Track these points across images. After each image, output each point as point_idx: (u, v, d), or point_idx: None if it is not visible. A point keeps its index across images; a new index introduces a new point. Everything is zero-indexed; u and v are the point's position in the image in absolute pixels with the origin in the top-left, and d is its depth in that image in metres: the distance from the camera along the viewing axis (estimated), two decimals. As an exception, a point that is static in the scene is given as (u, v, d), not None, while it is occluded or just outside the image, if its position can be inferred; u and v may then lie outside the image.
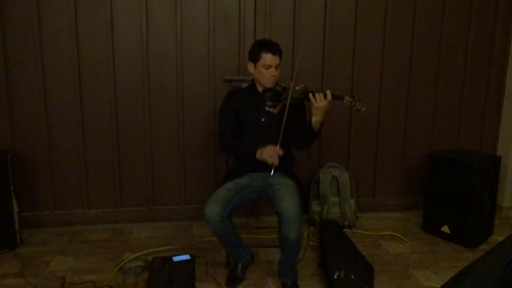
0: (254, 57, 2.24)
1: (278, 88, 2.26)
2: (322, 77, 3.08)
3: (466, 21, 3.20)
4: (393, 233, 2.94)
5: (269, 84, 2.27)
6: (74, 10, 2.75)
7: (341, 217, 2.98)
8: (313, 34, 3.03)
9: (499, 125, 3.40)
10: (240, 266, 2.32)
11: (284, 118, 2.12)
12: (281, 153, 2.15)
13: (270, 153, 2.14)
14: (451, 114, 3.32)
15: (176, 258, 2.30)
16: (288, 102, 2.14)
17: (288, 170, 2.36)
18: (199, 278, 2.29)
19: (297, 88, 2.18)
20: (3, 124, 2.79)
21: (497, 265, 1.32)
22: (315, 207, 3.05)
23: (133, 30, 2.84)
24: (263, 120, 2.30)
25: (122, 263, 2.42)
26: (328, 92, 2.08)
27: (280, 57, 2.25)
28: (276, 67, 2.23)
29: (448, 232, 2.82)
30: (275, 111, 2.25)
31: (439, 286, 1.97)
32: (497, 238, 2.86)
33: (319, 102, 2.08)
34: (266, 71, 2.23)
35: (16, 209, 2.66)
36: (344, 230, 2.76)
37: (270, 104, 2.25)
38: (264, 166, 2.29)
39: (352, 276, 2.11)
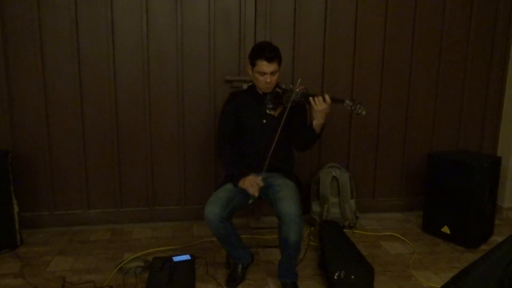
0: (251, 62, 2.23)
1: (279, 90, 2.25)
2: (322, 77, 3.08)
3: (466, 22, 3.20)
4: (393, 234, 2.94)
5: (263, 90, 2.26)
6: (74, 10, 2.75)
7: (341, 218, 2.98)
8: (314, 35, 3.03)
9: (499, 125, 3.40)
10: (240, 266, 2.32)
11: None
12: (261, 184, 2.12)
13: (251, 183, 2.12)
14: (452, 114, 3.32)
15: (176, 258, 2.29)
16: (288, 105, 2.14)
17: (289, 171, 2.36)
18: (199, 278, 2.29)
19: (297, 90, 2.18)
20: (3, 124, 2.79)
21: (498, 265, 1.33)
22: (315, 207, 3.05)
23: (134, 30, 2.84)
24: (264, 121, 2.29)
25: (122, 263, 2.43)
26: (327, 95, 2.08)
27: (279, 63, 2.21)
28: (273, 73, 2.19)
29: (448, 232, 2.82)
30: (276, 113, 2.25)
31: (439, 286, 1.97)
32: (497, 238, 2.86)
33: (319, 106, 2.08)
34: (261, 77, 2.21)
35: (16, 209, 2.66)
36: (344, 230, 2.76)
37: (271, 106, 2.25)
38: (264, 166, 2.29)
39: (352, 277, 2.11)
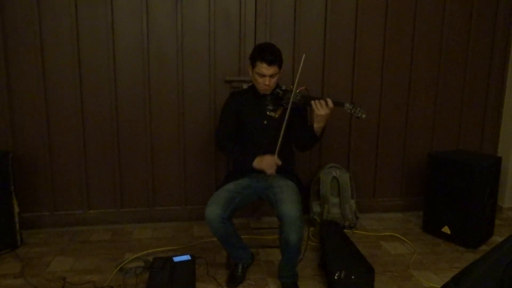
0: (252, 62, 2.23)
1: (279, 92, 2.25)
2: (322, 77, 3.08)
3: (466, 22, 3.20)
4: (394, 234, 2.94)
5: (262, 91, 2.26)
6: (74, 11, 2.75)
7: (342, 218, 2.99)
8: (314, 35, 3.03)
9: (500, 126, 3.40)
10: (240, 266, 2.32)
11: (284, 124, 2.11)
12: (279, 163, 2.13)
13: (268, 164, 2.13)
14: (452, 114, 3.32)
15: (176, 259, 2.30)
16: (289, 107, 2.13)
17: (289, 172, 2.35)
18: (199, 279, 2.29)
19: (298, 91, 2.17)
20: (4, 125, 2.79)
21: (498, 265, 1.33)
22: (315, 207, 3.05)
23: (134, 30, 2.85)
24: (265, 122, 2.29)
25: (122, 264, 2.43)
26: (329, 100, 2.07)
27: (279, 66, 2.19)
28: (272, 76, 2.18)
29: (449, 232, 2.82)
30: (276, 115, 2.25)
31: (439, 286, 1.97)
32: (497, 239, 2.86)
33: (321, 110, 2.07)
34: (260, 79, 2.20)
35: (16, 209, 2.66)
36: (344, 230, 2.76)
37: (271, 108, 2.25)
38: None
39: (353, 277, 2.11)
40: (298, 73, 2.12)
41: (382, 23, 3.09)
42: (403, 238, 2.87)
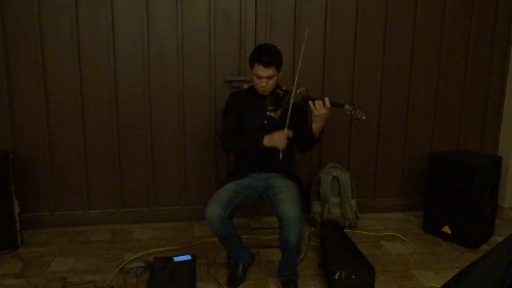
0: (250, 63, 2.23)
1: (280, 92, 2.24)
2: (322, 77, 3.08)
3: (466, 22, 3.20)
4: (394, 234, 2.94)
5: (260, 92, 2.26)
6: (75, 11, 2.75)
7: (342, 218, 2.99)
8: (314, 34, 3.02)
9: (500, 125, 3.40)
10: (240, 266, 2.32)
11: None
12: (291, 135, 2.15)
13: (280, 139, 2.14)
14: (452, 114, 3.32)
15: (177, 259, 2.30)
16: (290, 108, 2.13)
17: (289, 172, 2.36)
18: (200, 279, 2.29)
19: (298, 92, 2.17)
20: (4, 125, 2.80)
21: (499, 264, 1.33)
22: (316, 207, 3.05)
23: (134, 30, 2.85)
24: (265, 122, 2.29)
25: (123, 264, 2.43)
26: (327, 99, 2.07)
27: (277, 68, 2.19)
28: (270, 78, 2.18)
29: (449, 232, 2.82)
30: (276, 115, 2.25)
31: (439, 286, 1.97)
32: (498, 238, 2.86)
33: (319, 110, 2.08)
34: (257, 80, 2.21)
35: (17, 209, 2.66)
36: (345, 230, 2.76)
37: (271, 108, 2.24)
38: (265, 167, 2.29)
39: (353, 277, 2.11)
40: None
41: (382, 23, 3.09)
42: (403, 238, 2.87)
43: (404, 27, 3.13)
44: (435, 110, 3.28)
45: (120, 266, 2.40)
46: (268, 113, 2.25)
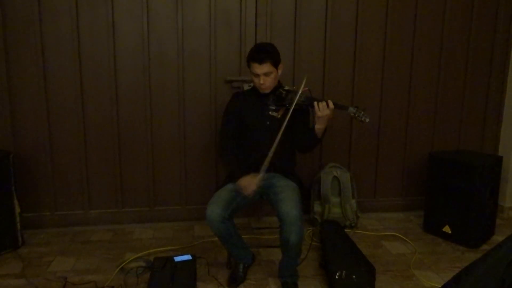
0: (247, 64, 2.25)
1: (282, 92, 2.24)
2: (323, 77, 3.08)
3: (467, 22, 3.19)
4: (395, 234, 2.94)
5: (260, 91, 2.26)
6: (75, 11, 2.75)
7: (342, 218, 2.98)
8: (314, 35, 3.03)
9: (500, 125, 3.39)
10: (241, 266, 2.32)
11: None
12: (259, 184, 2.10)
13: (245, 184, 2.10)
14: (452, 114, 3.32)
15: (177, 258, 2.30)
16: (291, 108, 2.12)
17: (290, 172, 2.35)
18: (200, 278, 2.29)
19: (300, 92, 2.17)
20: (4, 125, 2.80)
21: (499, 264, 1.33)
22: (316, 207, 3.05)
23: (134, 31, 2.85)
24: (267, 123, 2.28)
25: (123, 264, 2.43)
26: (330, 101, 2.08)
27: (273, 64, 2.18)
28: (267, 75, 2.18)
29: (450, 232, 2.82)
30: (279, 115, 2.24)
31: (440, 286, 1.97)
32: (498, 238, 2.85)
33: (322, 111, 2.08)
34: (255, 78, 2.22)
35: (17, 209, 2.67)
36: (345, 230, 2.76)
37: (273, 108, 2.24)
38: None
39: (354, 276, 2.11)
40: (303, 83, 2.12)
41: (382, 22, 3.09)
42: (404, 238, 2.87)
43: (405, 27, 3.12)
44: (435, 110, 3.28)
45: (121, 266, 2.40)
46: (270, 112, 2.24)
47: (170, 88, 2.95)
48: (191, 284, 2.14)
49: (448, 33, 3.18)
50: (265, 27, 2.96)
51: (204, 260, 2.47)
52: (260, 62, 2.15)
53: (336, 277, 2.11)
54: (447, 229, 2.83)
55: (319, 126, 2.14)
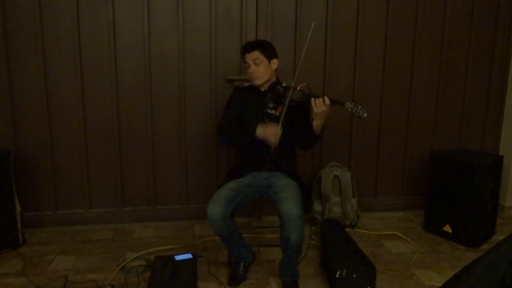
0: (242, 60, 2.33)
1: (280, 89, 2.24)
2: (324, 76, 3.08)
3: (467, 21, 3.19)
4: (395, 233, 2.94)
5: (253, 83, 2.33)
6: (76, 11, 2.75)
7: (343, 217, 2.98)
8: (315, 34, 3.02)
9: (501, 124, 3.39)
10: (242, 265, 2.33)
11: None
12: (280, 132, 2.15)
13: (272, 133, 2.15)
14: (453, 113, 3.32)
15: (178, 257, 2.30)
16: (286, 104, 2.14)
17: (291, 171, 2.35)
18: (201, 277, 2.29)
19: (298, 88, 2.17)
20: (5, 124, 2.80)
21: (500, 263, 1.33)
22: (317, 206, 3.05)
23: (135, 30, 2.85)
24: (266, 121, 2.29)
25: (124, 263, 2.43)
26: (326, 98, 2.09)
27: (263, 52, 2.26)
28: (256, 63, 2.26)
29: (450, 231, 2.82)
30: (277, 113, 2.24)
31: (441, 285, 1.97)
32: (499, 237, 2.85)
33: (319, 108, 2.09)
34: (247, 69, 2.30)
35: (18, 208, 2.67)
36: (346, 229, 2.76)
37: (272, 106, 2.24)
38: (266, 165, 2.29)
39: (354, 276, 2.11)
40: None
41: (383, 21, 3.09)
42: (404, 237, 2.87)
43: (406, 25, 3.12)
44: (436, 109, 3.28)
45: (121, 265, 2.41)
46: (269, 110, 2.24)
47: (171, 87, 2.95)
48: (192, 283, 2.14)
49: (449, 32, 3.17)
50: (266, 26, 2.96)
51: (205, 259, 2.47)
52: (249, 50, 2.26)
53: (337, 276, 2.11)
54: (447, 228, 2.83)
55: (316, 122, 2.15)
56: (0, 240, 2.58)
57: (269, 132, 2.17)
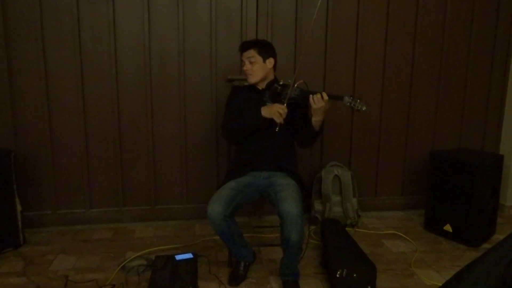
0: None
1: (278, 87, 2.24)
2: (324, 75, 3.08)
3: (468, 20, 3.19)
4: (396, 232, 2.94)
5: (249, 81, 2.35)
6: (76, 10, 2.75)
7: (343, 216, 2.99)
8: (315, 33, 3.02)
9: (502, 124, 3.39)
10: (242, 265, 2.33)
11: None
12: (286, 111, 2.13)
13: (277, 109, 2.13)
14: (453, 113, 3.32)
15: (178, 257, 2.30)
16: (285, 102, 2.14)
17: (291, 171, 2.35)
18: (201, 277, 2.29)
19: (295, 86, 2.17)
20: (6, 124, 2.80)
21: (500, 262, 1.33)
22: (317, 206, 3.05)
23: (135, 30, 2.85)
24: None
25: (124, 262, 2.43)
26: (324, 93, 2.09)
27: (258, 51, 2.28)
28: (251, 61, 2.28)
29: (451, 231, 2.82)
30: None
31: (441, 284, 1.97)
32: (499, 237, 2.86)
33: (317, 104, 2.09)
34: (243, 67, 2.34)
35: (19, 208, 2.67)
36: (346, 229, 2.76)
37: (270, 104, 2.24)
38: (266, 164, 2.29)
39: (355, 275, 2.11)
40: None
41: (383, 21, 3.09)
42: (404, 237, 2.87)
43: (406, 24, 3.12)
44: (436, 108, 3.28)
45: (122, 264, 2.41)
46: None
47: (171, 87, 2.95)
48: (192, 283, 2.14)
49: (449, 31, 3.17)
50: (266, 26, 2.96)
51: (205, 259, 2.47)
52: (244, 50, 2.31)
53: (337, 275, 2.11)
54: (448, 227, 2.83)
55: (315, 119, 2.15)
56: (0, 240, 2.58)
57: (275, 109, 2.14)
